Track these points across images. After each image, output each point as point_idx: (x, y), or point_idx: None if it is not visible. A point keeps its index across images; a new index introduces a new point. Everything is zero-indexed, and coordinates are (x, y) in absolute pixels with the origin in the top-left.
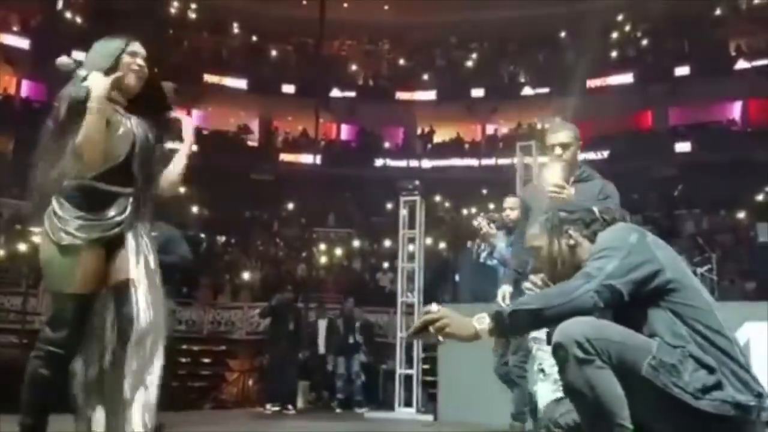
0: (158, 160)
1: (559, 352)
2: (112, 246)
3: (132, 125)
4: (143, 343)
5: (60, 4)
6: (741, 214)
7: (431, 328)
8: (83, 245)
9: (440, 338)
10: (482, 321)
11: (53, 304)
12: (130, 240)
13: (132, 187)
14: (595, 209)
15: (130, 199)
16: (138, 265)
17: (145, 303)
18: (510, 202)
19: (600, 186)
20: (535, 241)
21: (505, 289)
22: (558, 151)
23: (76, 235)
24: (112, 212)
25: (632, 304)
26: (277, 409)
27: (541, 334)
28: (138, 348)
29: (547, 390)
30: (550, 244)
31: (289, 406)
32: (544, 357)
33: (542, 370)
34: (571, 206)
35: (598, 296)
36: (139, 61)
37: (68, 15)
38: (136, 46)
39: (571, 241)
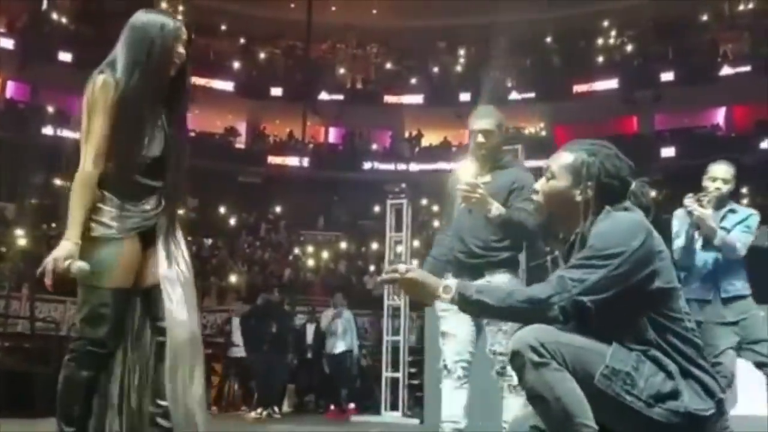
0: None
1: (515, 360)
2: (145, 243)
3: (164, 120)
4: (179, 363)
5: (45, 5)
6: None
7: (397, 288)
8: (118, 236)
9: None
10: (448, 290)
11: (89, 301)
12: (162, 240)
13: (163, 181)
14: (636, 184)
15: (163, 193)
16: (171, 266)
17: (178, 305)
18: (721, 171)
19: (514, 175)
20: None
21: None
22: (480, 138)
23: (111, 226)
24: (147, 206)
25: (608, 305)
26: (265, 413)
27: (502, 348)
28: (173, 371)
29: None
30: (569, 185)
31: (275, 409)
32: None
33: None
34: (618, 166)
35: (560, 311)
36: (182, 49)
37: (54, 16)
38: (184, 30)
39: (582, 196)
